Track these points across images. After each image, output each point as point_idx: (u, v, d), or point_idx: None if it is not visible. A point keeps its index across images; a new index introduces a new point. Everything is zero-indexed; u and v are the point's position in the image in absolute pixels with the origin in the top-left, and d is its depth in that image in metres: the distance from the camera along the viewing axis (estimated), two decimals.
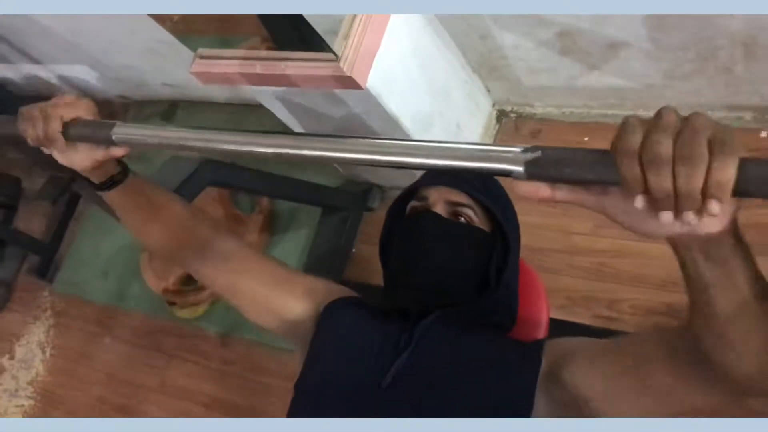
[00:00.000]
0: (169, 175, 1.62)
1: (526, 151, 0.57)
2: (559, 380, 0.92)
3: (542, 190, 0.58)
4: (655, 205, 0.51)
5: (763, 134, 1.79)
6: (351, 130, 1.85)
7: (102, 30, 2.52)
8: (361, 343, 1.11)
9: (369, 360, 1.06)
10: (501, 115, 2.19)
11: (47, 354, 2.83)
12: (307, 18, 1.40)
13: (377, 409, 0.99)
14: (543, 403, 0.94)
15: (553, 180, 0.57)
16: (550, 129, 2.12)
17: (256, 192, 1.81)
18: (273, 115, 2.03)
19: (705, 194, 0.48)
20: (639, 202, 0.51)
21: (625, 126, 0.51)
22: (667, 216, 0.52)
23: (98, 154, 0.92)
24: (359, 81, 1.47)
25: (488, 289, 1.14)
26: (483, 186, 1.17)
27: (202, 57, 1.67)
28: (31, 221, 3.00)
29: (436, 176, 1.16)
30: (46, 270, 3.00)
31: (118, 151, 0.91)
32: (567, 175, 0.56)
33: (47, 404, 2.70)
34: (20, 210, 3.17)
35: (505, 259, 1.16)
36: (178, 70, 2.81)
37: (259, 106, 2.82)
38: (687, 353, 0.70)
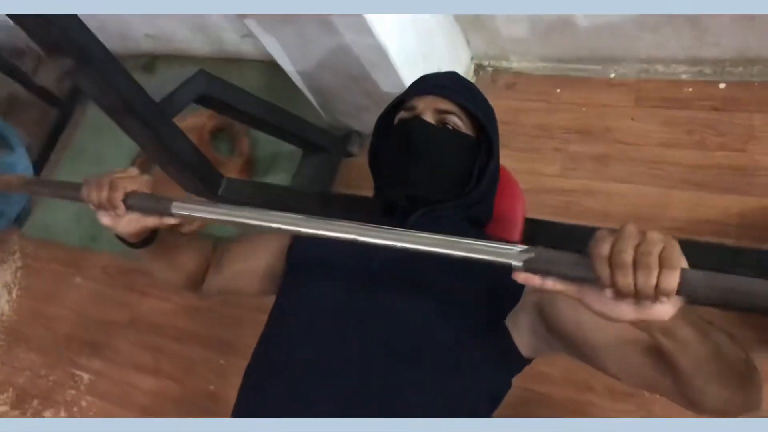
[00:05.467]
0: (165, 84, 1.67)
1: (524, 251, 0.73)
2: (544, 302, 0.98)
3: (535, 279, 0.73)
4: (620, 296, 0.67)
5: (722, 86, 1.94)
6: (340, 62, 1.94)
7: None
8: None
9: (357, 246, 1.12)
10: (479, 69, 2.31)
11: (14, 295, 2.83)
12: None
13: (371, 285, 1.05)
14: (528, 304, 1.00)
15: (543, 274, 0.73)
16: (524, 82, 2.24)
17: (243, 114, 1.86)
18: (255, 68, 2.07)
19: (657, 292, 0.64)
20: (609, 293, 0.67)
21: (598, 237, 0.68)
22: (629, 303, 0.67)
23: (149, 221, 1.04)
24: None
25: (471, 186, 1.22)
26: (469, 94, 1.26)
27: None
28: None
29: (423, 86, 1.24)
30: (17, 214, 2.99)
31: (170, 220, 1.04)
32: (555, 271, 0.72)
33: (12, 342, 2.68)
34: None
35: (487, 162, 1.24)
36: (162, 19, 2.88)
37: (240, 61, 2.90)
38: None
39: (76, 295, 2.68)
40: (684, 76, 1.99)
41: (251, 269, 1.26)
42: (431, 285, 1.03)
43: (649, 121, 1.99)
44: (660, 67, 2.01)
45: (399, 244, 0.85)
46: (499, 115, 1.30)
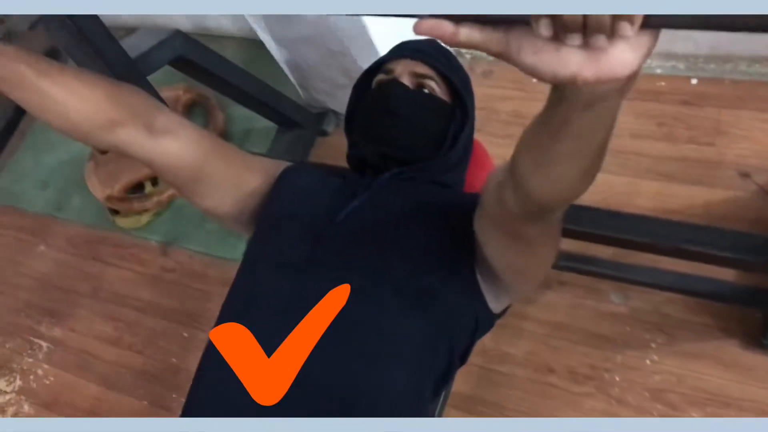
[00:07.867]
0: (136, 43, 1.65)
1: None
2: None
3: (444, 26, 0.50)
4: (563, 32, 0.47)
5: (694, 81, 1.98)
6: (320, 36, 1.94)
7: None
8: (319, 187, 1.19)
9: (325, 200, 1.14)
10: (457, 55, 2.32)
11: None
12: None
13: (327, 239, 1.05)
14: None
15: (456, 18, 0.50)
16: (501, 70, 2.26)
17: (218, 81, 1.84)
18: (235, 45, 2.00)
19: (616, 19, 0.45)
20: (544, 31, 0.47)
21: None
22: (574, 39, 0.47)
23: None
24: None
25: (445, 149, 1.24)
26: (445, 60, 1.27)
27: None
28: None
29: (401, 50, 1.26)
30: None
31: None
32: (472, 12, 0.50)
33: None
34: None
35: (462, 127, 1.26)
36: None
37: (221, 38, 2.87)
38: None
39: (39, 264, 2.63)
40: (658, 71, 2.03)
41: (236, 180, 1.20)
42: (395, 237, 1.05)
43: (621, 112, 2.01)
44: None
45: None
46: (476, 102, 1.31)
